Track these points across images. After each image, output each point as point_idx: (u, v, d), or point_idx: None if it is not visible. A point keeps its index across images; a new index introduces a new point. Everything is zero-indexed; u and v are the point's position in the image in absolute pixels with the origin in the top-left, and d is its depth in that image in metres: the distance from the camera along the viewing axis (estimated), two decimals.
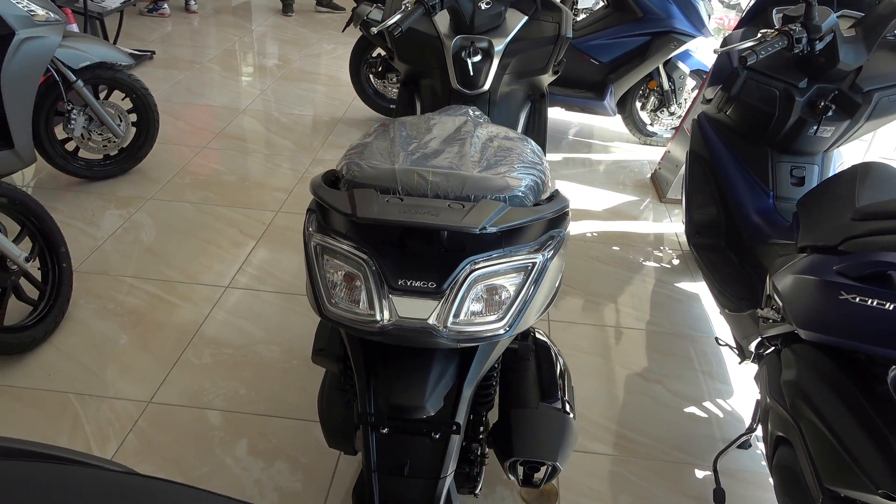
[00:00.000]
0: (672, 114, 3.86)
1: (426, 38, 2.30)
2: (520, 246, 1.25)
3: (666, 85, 3.78)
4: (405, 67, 2.51)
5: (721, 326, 2.59)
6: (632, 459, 2.02)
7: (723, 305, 2.15)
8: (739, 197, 2.26)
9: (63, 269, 2.39)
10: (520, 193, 1.30)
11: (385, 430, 1.26)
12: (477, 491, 1.51)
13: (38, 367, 2.20)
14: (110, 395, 2.11)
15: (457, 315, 1.16)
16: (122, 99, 3.24)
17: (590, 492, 1.91)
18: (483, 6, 2.23)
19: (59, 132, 3.11)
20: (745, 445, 2.04)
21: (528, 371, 1.60)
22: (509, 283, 1.21)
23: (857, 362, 1.43)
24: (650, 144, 4.06)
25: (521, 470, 1.40)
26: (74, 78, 2.92)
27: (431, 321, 1.15)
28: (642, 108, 3.94)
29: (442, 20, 2.30)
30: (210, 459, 1.93)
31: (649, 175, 3.74)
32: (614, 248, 3.06)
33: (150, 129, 3.32)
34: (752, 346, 1.93)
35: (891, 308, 1.24)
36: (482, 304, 1.20)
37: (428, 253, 1.20)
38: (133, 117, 3.28)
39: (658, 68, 3.74)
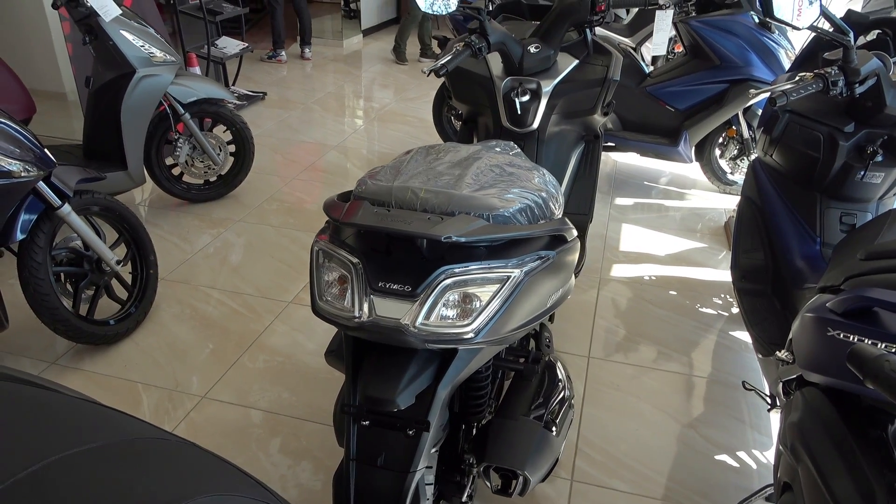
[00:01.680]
0: None
1: (480, 78, 2.46)
2: (501, 260, 1.34)
3: (745, 133, 3.71)
4: (463, 106, 2.67)
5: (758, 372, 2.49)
6: (648, 500, 1.99)
7: (757, 350, 2.09)
8: (786, 242, 2.21)
9: (150, 274, 2.70)
10: (507, 213, 1.39)
11: (366, 423, 1.37)
12: (464, 499, 1.57)
13: (118, 358, 2.50)
14: (171, 388, 2.36)
15: (427, 317, 1.26)
16: (224, 131, 3.63)
17: None
18: (532, 50, 2.36)
19: (168, 159, 3.53)
20: (772, 498, 1.95)
21: (527, 390, 1.66)
22: (484, 292, 1.30)
23: (859, 407, 1.38)
24: (730, 193, 3.96)
25: (494, 477, 1.45)
26: (183, 111, 3.32)
27: (404, 321, 1.26)
28: (721, 155, 3.88)
29: (496, 62, 2.44)
30: (245, 452, 2.11)
31: (724, 222, 3.66)
32: (671, 292, 3.02)
33: (246, 158, 3.69)
34: (779, 391, 1.87)
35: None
36: (456, 311, 1.29)
37: (410, 261, 1.32)
38: (232, 148, 3.66)
39: (737, 115, 3.68)
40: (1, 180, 2.04)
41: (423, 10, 2.23)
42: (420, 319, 1.25)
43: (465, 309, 1.30)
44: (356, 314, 1.28)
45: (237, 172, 3.71)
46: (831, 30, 1.84)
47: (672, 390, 2.42)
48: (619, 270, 3.18)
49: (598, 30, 3.87)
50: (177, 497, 0.69)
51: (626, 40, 4.57)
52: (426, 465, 1.36)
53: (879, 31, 2.13)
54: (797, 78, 1.92)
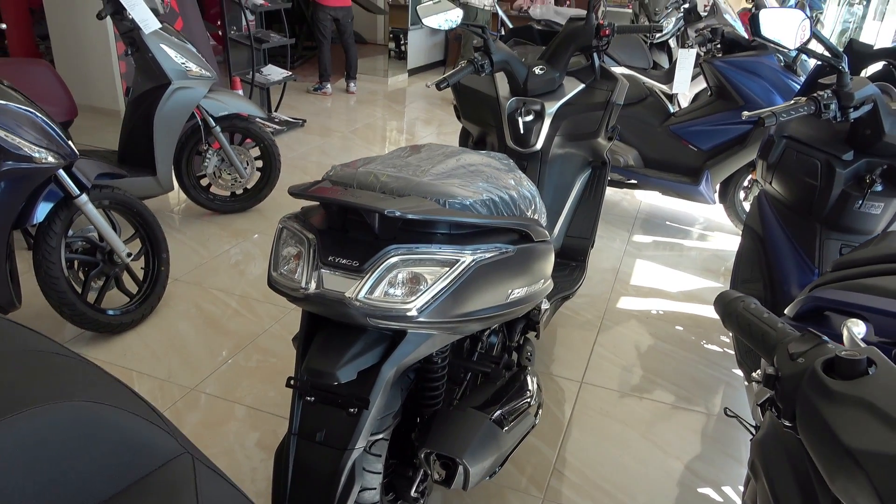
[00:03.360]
0: None
1: (486, 98, 2.51)
2: (455, 246, 1.36)
3: None
4: (472, 127, 2.73)
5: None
6: None
7: (744, 378, 2.02)
8: (784, 272, 2.15)
9: (161, 272, 2.81)
10: (466, 202, 1.42)
11: (311, 399, 1.38)
12: (413, 494, 1.55)
13: (119, 346, 2.59)
14: (164, 378, 2.42)
15: (371, 292, 1.28)
16: (252, 147, 3.78)
17: None
18: (537, 71, 2.40)
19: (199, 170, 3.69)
20: None
21: (486, 388, 1.64)
22: (431, 274, 1.32)
23: None
24: None
25: (437, 467, 1.43)
26: (214, 124, 3.48)
27: (348, 294, 1.28)
28: (745, 198, 3.81)
29: (503, 83, 2.50)
30: (221, 443, 2.13)
31: None
32: (678, 327, 2.95)
33: (272, 174, 3.82)
34: (757, 415, 1.80)
35: None
36: (403, 290, 1.31)
37: (364, 240, 1.35)
38: (259, 164, 3.80)
39: None
40: (22, 164, 2.18)
41: (430, 27, 2.31)
42: (363, 293, 1.27)
43: (412, 289, 1.31)
44: (304, 285, 1.31)
45: (263, 187, 3.84)
46: (826, 53, 1.83)
47: (663, 421, 2.35)
48: (627, 303, 3.13)
49: (636, 74, 3.92)
50: (46, 397, 0.73)
51: (664, 87, 4.59)
52: (364, 446, 1.36)
53: (885, 63, 2.10)
54: (792, 101, 1.90)
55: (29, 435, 0.68)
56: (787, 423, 0.79)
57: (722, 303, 0.92)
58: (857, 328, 0.79)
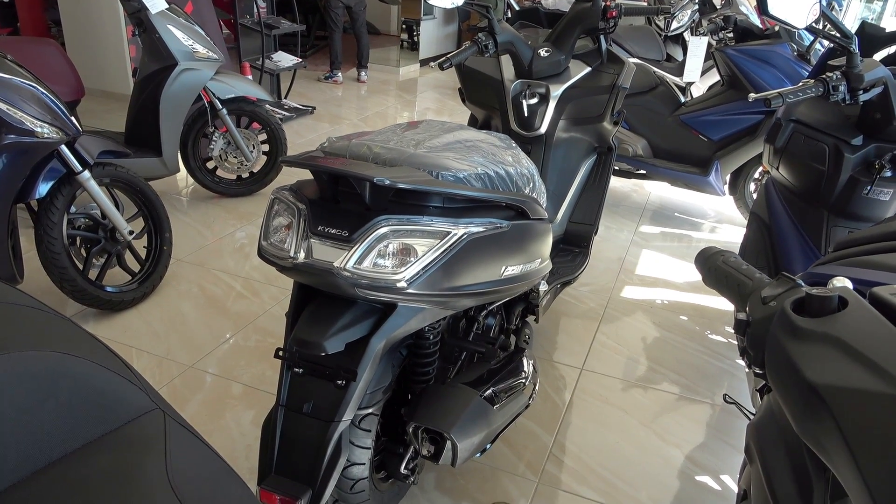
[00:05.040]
0: None
1: (491, 80, 2.48)
2: (448, 219, 1.33)
3: None
4: (477, 110, 2.70)
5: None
6: None
7: (745, 364, 1.99)
8: (789, 259, 2.11)
9: (163, 251, 2.81)
10: (460, 175, 1.39)
11: (299, 371, 1.37)
12: (402, 471, 1.53)
13: (119, 323, 2.59)
14: (162, 355, 2.42)
15: (360, 262, 1.26)
16: (259, 132, 3.77)
17: None
18: (543, 53, 2.37)
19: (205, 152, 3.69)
20: None
21: (480, 367, 1.62)
22: (422, 245, 1.30)
23: None
24: None
25: (424, 441, 1.42)
26: (220, 106, 3.47)
27: (336, 264, 1.26)
28: (756, 190, 3.76)
29: (508, 65, 2.46)
30: (217, 420, 2.13)
31: None
32: (682, 317, 2.91)
33: (278, 158, 3.81)
34: (756, 402, 1.77)
35: None
36: (393, 261, 1.29)
37: (355, 210, 1.33)
38: (265, 147, 3.80)
39: None
40: (24, 138, 2.18)
41: (437, 6, 2.28)
42: (351, 263, 1.26)
43: (402, 260, 1.29)
44: (293, 255, 1.30)
45: (268, 171, 3.83)
46: (834, 34, 1.79)
47: (664, 409, 2.32)
48: (631, 292, 3.10)
49: (647, 64, 3.87)
50: (12, 346, 0.72)
51: (677, 79, 4.53)
52: (351, 419, 1.35)
53: None
54: (800, 83, 1.86)
55: None
56: (758, 371, 0.77)
57: (702, 258, 0.89)
58: (840, 283, 0.76)
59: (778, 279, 0.78)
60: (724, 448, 2.16)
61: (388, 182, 1.20)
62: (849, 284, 0.73)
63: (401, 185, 1.22)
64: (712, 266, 0.86)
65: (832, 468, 0.58)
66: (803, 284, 0.75)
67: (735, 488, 2.00)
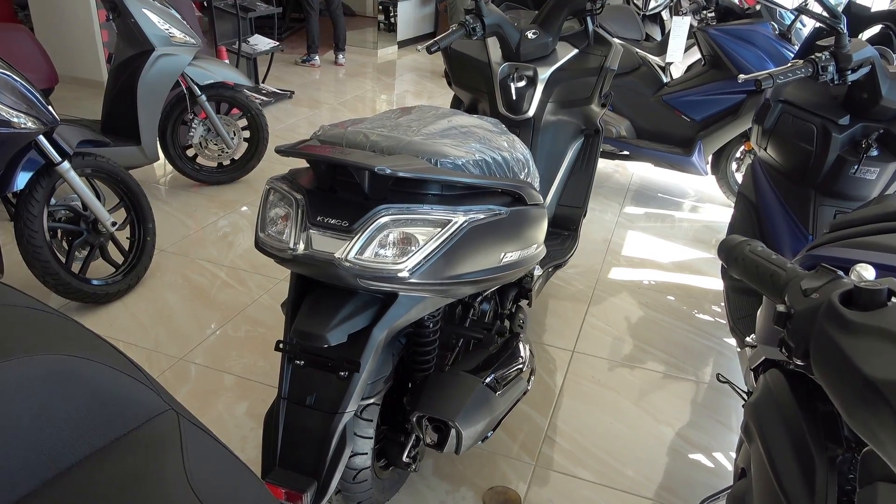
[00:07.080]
0: None
1: (478, 63, 2.46)
2: (447, 206, 1.32)
3: None
4: (463, 94, 2.67)
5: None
6: (611, 490, 1.91)
7: (737, 344, 2.01)
8: (777, 239, 2.14)
9: (147, 242, 2.76)
10: (458, 162, 1.38)
11: (301, 363, 1.36)
12: (405, 459, 1.53)
13: (105, 316, 2.55)
14: (151, 348, 2.39)
15: (361, 252, 1.25)
16: (239, 118, 3.70)
17: None
18: (530, 35, 2.35)
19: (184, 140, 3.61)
20: None
21: (479, 353, 1.62)
22: (423, 234, 1.28)
23: (813, 383, 1.31)
24: None
25: (429, 431, 1.42)
26: (199, 93, 3.40)
27: (337, 255, 1.25)
28: (738, 169, 3.79)
29: (495, 48, 2.44)
30: (211, 412, 2.11)
31: None
32: (669, 297, 2.94)
33: (260, 145, 3.75)
34: (751, 381, 1.79)
35: None
36: (394, 250, 1.28)
37: (353, 200, 1.31)
38: (246, 134, 3.73)
39: None
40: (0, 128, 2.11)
41: None
42: (353, 254, 1.24)
43: (403, 249, 1.28)
44: (292, 246, 1.28)
45: (250, 158, 3.77)
46: (823, 14, 1.80)
47: (655, 389, 2.35)
48: (619, 273, 3.12)
49: (628, 45, 3.86)
50: (23, 350, 0.70)
51: (657, 59, 4.54)
52: (354, 410, 1.34)
53: (883, 26, 2.07)
54: (789, 64, 1.87)
55: (3, 387, 0.65)
56: (799, 362, 0.77)
57: (727, 247, 0.89)
58: (867, 272, 0.77)
59: (817, 271, 0.78)
60: (716, 426, 2.19)
61: (389, 171, 1.19)
62: (873, 273, 0.74)
63: (402, 174, 1.21)
64: (739, 256, 0.86)
65: (887, 459, 0.59)
66: (845, 276, 0.75)
67: (728, 465, 2.04)
